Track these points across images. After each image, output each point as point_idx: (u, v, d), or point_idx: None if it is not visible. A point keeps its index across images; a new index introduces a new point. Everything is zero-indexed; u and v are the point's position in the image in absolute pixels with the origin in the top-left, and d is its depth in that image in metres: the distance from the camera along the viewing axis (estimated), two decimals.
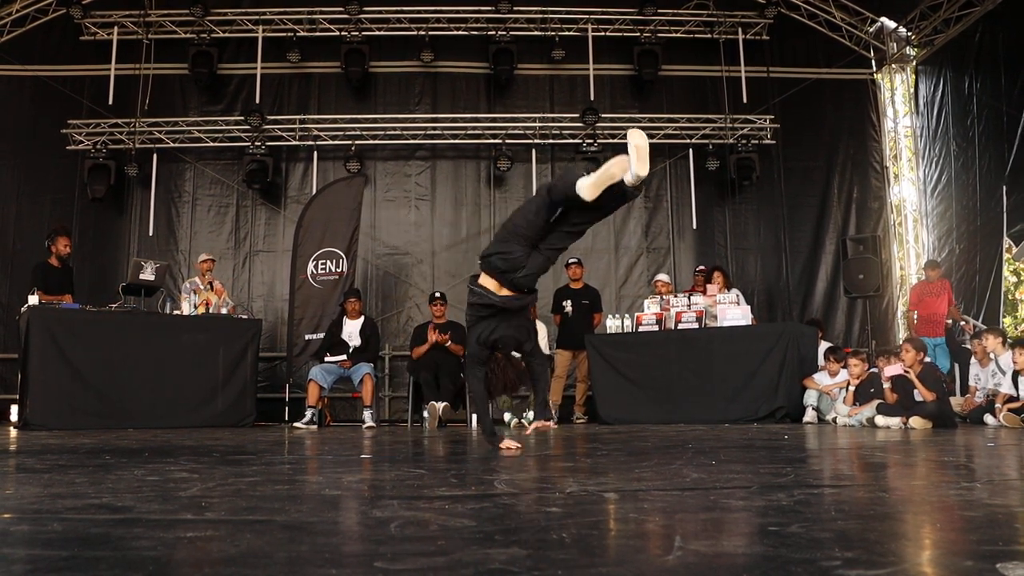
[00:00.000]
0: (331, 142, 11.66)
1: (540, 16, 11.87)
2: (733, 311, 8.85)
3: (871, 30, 12.33)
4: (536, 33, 11.96)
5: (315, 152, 11.68)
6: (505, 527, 1.84)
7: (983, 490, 2.50)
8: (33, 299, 7.66)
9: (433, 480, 2.90)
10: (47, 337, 7.51)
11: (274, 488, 2.61)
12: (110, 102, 11.28)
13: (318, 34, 11.85)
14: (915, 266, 11.95)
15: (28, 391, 7.38)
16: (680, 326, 8.99)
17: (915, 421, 6.92)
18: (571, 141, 11.71)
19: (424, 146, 11.87)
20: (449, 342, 9.02)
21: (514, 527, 1.85)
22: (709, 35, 12.00)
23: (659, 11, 11.74)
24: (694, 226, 11.71)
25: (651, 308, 9.27)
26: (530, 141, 11.71)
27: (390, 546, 1.55)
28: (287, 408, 10.24)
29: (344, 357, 8.82)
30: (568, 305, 9.80)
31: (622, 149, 11.96)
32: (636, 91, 12.16)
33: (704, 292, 9.41)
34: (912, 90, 12.34)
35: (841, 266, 11.06)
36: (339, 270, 10.11)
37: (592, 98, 11.63)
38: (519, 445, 4.41)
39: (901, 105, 12.53)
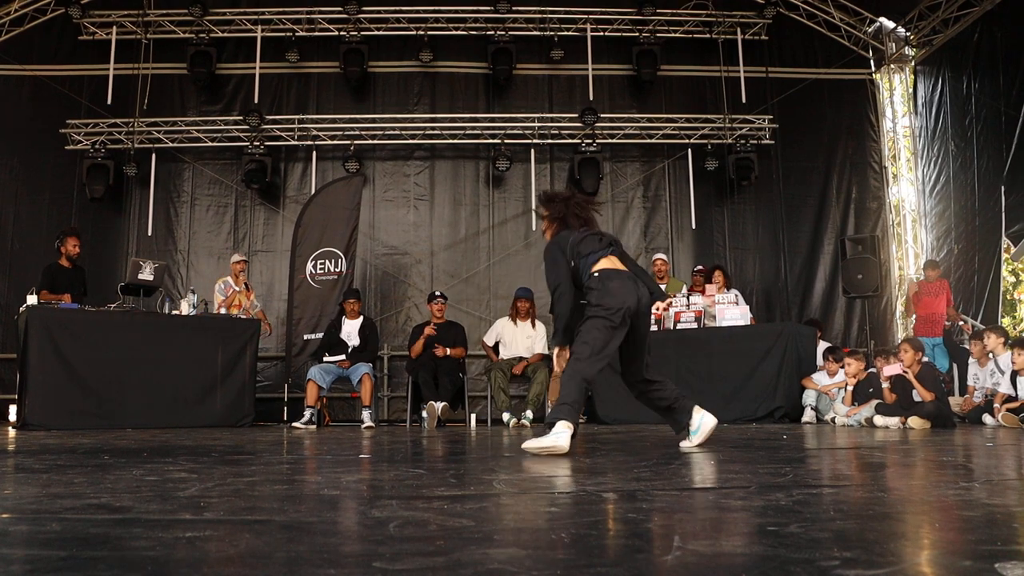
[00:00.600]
0: (330, 142, 11.67)
1: (539, 16, 11.88)
2: (732, 311, 8.85)
3: (870, 30, 12.35)
4: (535, 33, 11.97)
5: (314, 152, 11.69)
6: (504, 527, 1.84)
7: (982, 490, 2.50)
8: (32, 299, 7.65)
9: (432, 480, 2.90)
10: (45, 337, 7.51)
11: (273, 488, 2.61)
12: (109, 102, 11.29)
13: (317, 34, 11.86)
14: (914, 266, 11.95)
15: (27, 391, 7.37)
16: (679, 326, 9.00)
17: (914, 421, 6.93)
18: (570, 141, 11.71)
19: (423, 146, 11.88)
20: (448, 352, 9.01)
21: (513, 527, 1.85)
22: (708, 35, 12.01)
23: (658, 11, 11.75)
24: (693, 226, 11.72)
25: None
26: (529, 141, 11.71)
27: (389, 546, 1.55)
28: (286, 408, 10.24)
29: (343, 357, 8.82)
30: None
31: (620, 149, 12.04)
32: (635, 91, 12.17)
33: (703, 292, 9.41)
34: (911, 90, 12.35)
35: (840, 266, 11.07)
36: (338, 270, 10.11)
37: (591, 98, 11.64)
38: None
39: (900, 105, 12.55)
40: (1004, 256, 10.46)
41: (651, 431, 6.49)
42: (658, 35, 11.88)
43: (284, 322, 10.49)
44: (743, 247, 11.88)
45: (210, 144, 11.61)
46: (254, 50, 11.66)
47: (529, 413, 8.74)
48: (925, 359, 7.65)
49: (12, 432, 6.92)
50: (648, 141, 11.90)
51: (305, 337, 9.96)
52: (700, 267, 10.44)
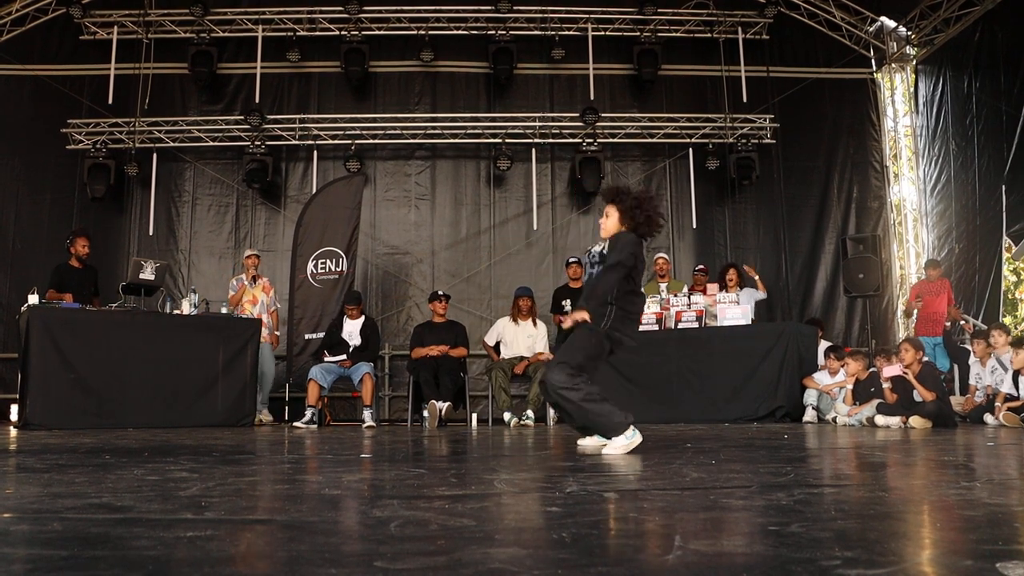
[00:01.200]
0: (331, 141, 11.67)
1: (540, 16, 11.87)
2: (733, 310, 8.85)
3: (871, 29, 12.34)
4: (536, 33, 11.96)
5: (315, 151, 11.69)
6: (505, 527, 1.85)
7: (983, 489, 2.50)
8: (33, 298, 7.65)
9: (433, 480, 2.90)
10: (47, 336, 7.50)
11: (274, 488, 2.61)
12: (110, 101, 11.29)
13: (318, 34, 11.85)
14: (915, 265, 11.95)
15: (28, 391, 7.37)
16: (680, 325, 8.99)
17: (915, 420, 6.93)
18: (571, 141, 11.70)
19: (424, 145, 11.87)
20: (448, 350, 9.01)
21: (514, 527, 1.85)
22: (709, 34, 12.01)
23: (659, 10, 11.75)
24: (694, 225, 11.72)
25: (651, 307, 9.27)
26: (530, 140, 11.71)
27: (390, 546, 1.55)
28: (287, 407, 10.24)
29: (344, 357, 8.81)
30: (568, 305, 9.79)
31: (621, 149, 12.04)
32: (636, 90, 12.16)
33: (704, 291, 9.41)
34: (912, 89, 12.35)
35: (841, 265, 11.06)
36: (339, 269, 10.11)
37: (592, 97, 11.63)
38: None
39: (901, 104, 12.54)
40: (1005, 255, 10.45)
41: (652, 431, 6.48)
42: (659, 34, 11.87)
43: (285, 322, 10.49)
44: (744, 247, 11.87)
45: (211, 144, 11.61)
46: (255, 50, 11.66)
47: (531, 413, 8.74)
48: (926, 359, 7.65)
49: (14, 432, 6.92)
50: (649, 140, 11.89)
51: (306, 337, 9.96)
52: (703, 266, 10.43)
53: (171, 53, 11.71)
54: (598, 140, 11.51)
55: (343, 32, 11.61)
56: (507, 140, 11.53)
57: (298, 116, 11.68)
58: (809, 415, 8.30)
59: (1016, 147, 9.92)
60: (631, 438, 4.12)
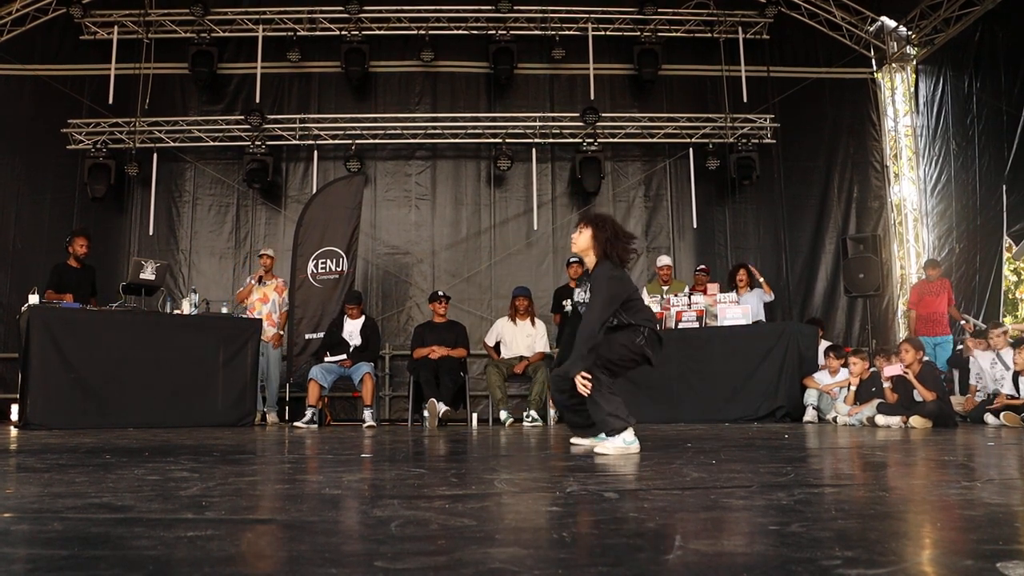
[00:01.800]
0: (331, 141, 11.66)
1: (540, 15, 11.87)
2: (733, 310, 8.85)
3: (871, 29, 12.35)
4: (536, 32, 11.96)
5: (315, 151, 11.69)
6: (506, 526, 1.85)
7: (983, 489, 2.50)
8: (33, 298, 7.66)
9: (433, 479, 2.90)
10: (47, 336, 7.50)
11: (274, 487, 2.61)
12: (110, 101, 11.29)
13: (318, 33, 11.85)
14: (915, 265, 11.95)
15: (28, 390, 7.37)
16: (680, 325, 8.99)
17: (915, 420, 6.93)
18: (571, 140, 11.70)
19: (424, 145, 11.87)
20: (449, 351, 9.00)
21: (515, 526, 1.85)
22: (709, 34, 12.00)
23: (659, 10, 11.75)
24: (694, 225, 11.72)
25: (651, 307, 9.26)
26: (530, 140, 11.71)
27: (391, 545, 1.55)
28: (287, 407, 10.24)
29: (344, 356, 8.81)
30: (568, 304, 9.79)
31: (621, 148, 12.05)
32: (636, 90, 12.16)
33: (705, 291, 9.41)
34: (912, 89, 12.35)
35: (841, 265, 11.07)
36: (339, 269, 10.11)
37: (592, 97, 11.63)
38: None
39: (901, 104, 12.54)
40: (1006, 255, 10.46)
41: (652, 431, 6.48)
42: (659, 34, 11.87)
43: (286, 321, 10.48)
44: (744, 247, 11.87)
45: (212, 144, 11.61)
46: (255, 50, 11.66)
47: (534, 413, 8.72)
48: (926, 359, 7.65)
49: (14, 431, 6.92)
50: (649, 140, 11.89)
51: (307, 336, 9.96)
52: (704, 266, 10.43)
53: (171, 53, 11.71)
54: (598, 140, 11.51)
55: (343, 32, 11.61)
56: (507, 140, 11.53)
57: (298, 116, 11.68)
58: (809, 415, 8.30)
59: (1017, 147, 9.91)
60: (629, 443, 4.12)
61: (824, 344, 9.08)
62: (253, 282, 9.61)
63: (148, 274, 8.37)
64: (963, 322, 10.14)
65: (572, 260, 9.96)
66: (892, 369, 7.34)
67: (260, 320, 8.96)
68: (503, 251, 11.62)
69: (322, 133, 11.64)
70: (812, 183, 12.04)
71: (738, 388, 8.40)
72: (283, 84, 11.98)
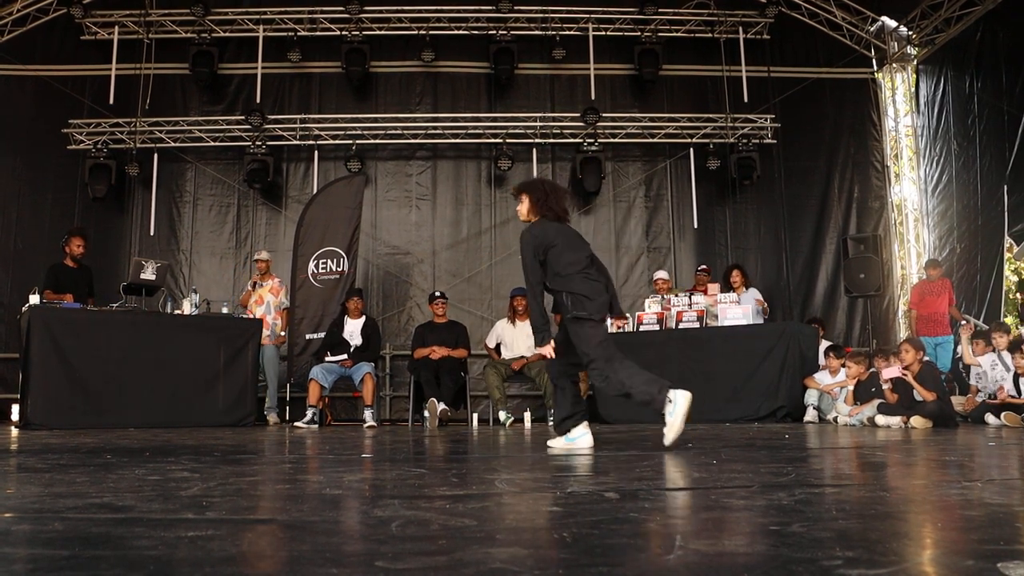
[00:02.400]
0: (332, 142, 11.67)
1: (541, 15, 11.88)
2: (734, 311, 8.85)
3: (872, 29, 12.35)
4: (537, 32, 11.96)
5: (316, 152, 11.69)
6: (506, 526, 1.85)
7: (984, 489, 2.50)
8: (34, 298, 7.66)
9: (434, 479, 2.90)
10: (48, 336, 7.51)
11: (275, 487, 2.61)
12: (111, 102, 11.30)
13: (319, 34, 11.86)
14: (916, 265, 11.95)
15: (29, 390, 7.37)
16: (681, 325, 8.99)
17: (916, 420, 6.92)
18: (572, 141, 11.71)
19: (425, 146, 11.88)
20: (449, 351, 9.00)
21: (515, 526, 1.85)
22: (710, 34, 12.01)
23: (660, 10, 11.75)
24: (695, 225, 11.71)
25: (652, 307, 9.27)
26: (531, 141, 11.71)
27: (391, 545, 1.55)
28: (288, 407, 10.24)
29: (345, 356, 8.82)
30: None
31: (622, 149, 12.02)
32: (637, 90, 12.16)
33: (705, 291, 9.40)
34: (913, 89, 12.34)
35: (842, 265, 11.07)
36: (340, 269, 10.11)
37: (593, 97, 11.64)
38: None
39: (902, 104, 12.53)
40: (1007, 255, 10.46)
41: (653, 430, 6.48)
42: (660, 34, 11.87)
43: (287, 321, 10.49)
44: (745, 247, 11.87)
45: (212, 144, 11.62)
46: (256, 50, 11.66)
47: (527, 414, 8.69)
48: (927, 359, 7.64)
49: (15, 431, 6.93)
50: (650, 140, 11.90)
51: (307, 337, 9.96)
52: (705, 266, 10.43)
53: (172, 53, 11.71)
54: (599, 140, 11.51)
55: (344, 32, 11.61)
56: (508, 140, 11.54)
57: (299, 116, 11.68)
58: (810, 415, 8.30)
59: (1018, 147, 9.91)
60: (572, 440, 4.59)
61: (825, 344, 9.08)
62: (249, 287, 9.63)
63: (149, 274, 8.37)
64: (964, 322, 10.14)
65: None
66: (892, 370, 7.34)
67: (260, 321, 8.97)
68: (503, 251, 11.62)
69: (323, 133, 11.65)
70: (813, 183, 12.04)
71: (739, 388, 8.39)
72: (284, 84, 11.98)
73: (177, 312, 8.46)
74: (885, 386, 7.40)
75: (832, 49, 12.33)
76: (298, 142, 11.69)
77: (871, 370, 7.99)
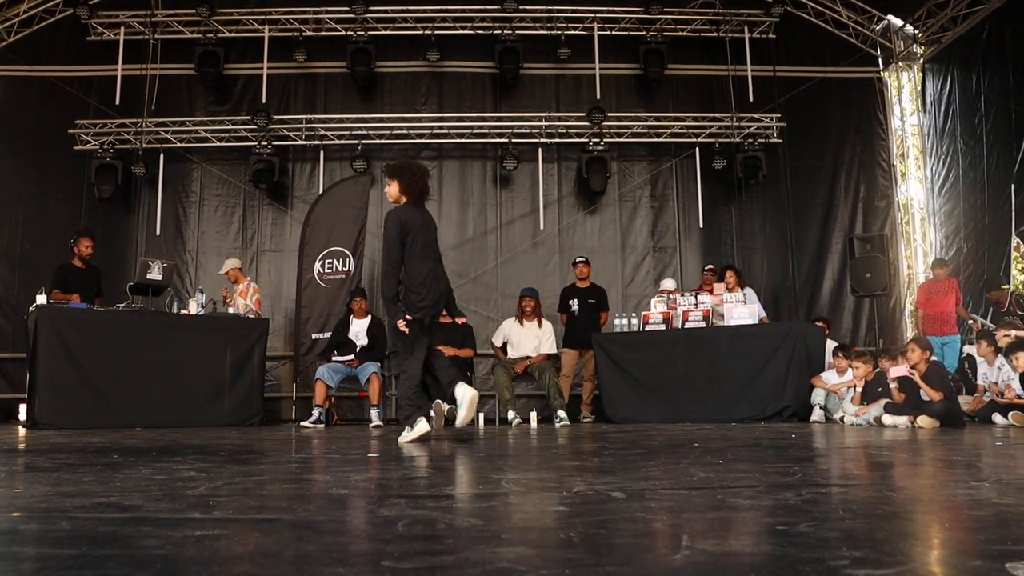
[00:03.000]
0: (337, 142, 11.68)
1: (546, 15, 11.87)
2: (740, 310, 8.83)
3: (878, 28, 12.32)
4: (542, 32, 11.95)
5: (321, 152, 11.70)
6: (512, 526, 1.85)
7: (992, 489, 2.49)
8: (41, 299, 7.68)
9: (440, 479, 2.90)
10: (54, 336, 7.53)
11: (281, 487, 2.62)
12: (117, 102, 11.30)
13: (324, 34, 11.86)
14: (922, 264, 11.92)
15: (36, 390, 7.40)
16: (687, 325, 8.98)
17: (923, 420, 6.90)
18: (577, 140, 11.70)
19: (430, 145, 11.88)
20: (455, 351, 9.00)
21: (521, 526, 1.86)
22: (715, 34, 11.98)
23: (665, 10, 11.73)
24: (700, 225, 11.69)
25: (658, 307, 9.26)
26: (536, 140, 11.70)
27: (397, 545, 1.55)
28: (294, 407, 10.25)
29: (351, 356, 8.83)
30: (574, 304, 9.79)
31: (628, 148, 11.99)
32: (642, 90, 12.15)
33: (711, 291, 9.39)
34: (919, 88, 12.31)
35: (848, 265, 11.03)
36: (346, 269, 10.12)
37: (598, 97, 11.62)
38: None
39: (908, 103, 12.50)
40: (1014, 254, 10.42)
41: (659, 430, 6.48)
42: (665, 34, 11.86)
43: (292, 321, 10.50)
44: (751, 246, 11.85)
45: (218, 144, 11.63)
46: (261, 50, 11.67)
47: (562, 414, 8.64)
48: (934, 358, 7.62)
49: (22, 431, 6.95)
50: (655, 140, 11.88)
51: (313, 336, 9.98)
52: (711, 266, 10.42)
53: (178, 54, 11.72)
54: (604, 140, 11.50)
55: (349, 32, 11.62)
56: (513, 140, 11.53)
57: (305, 116, 11.69)
58: (816, 415, 8.27)
59: None
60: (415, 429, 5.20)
61: (831, 344, 9.06)
62: (224, 295, 9.49)
63: (155, 274, 8.39)
64: (971, 322, 10.11)
65: (578, 260, 9.96)
66: (899, 369, 7.32)
67: (267, 320, 8.98)
68: (509, 251, 11.62)
69: (328, 133, 11.65)
70: (819, 182, 12.02)
71: (745, 388, 8.38)
72: (289, 84, 11.99)
73: (183, 312, 8.48)
74: (892, 385, 7.38)
75: (838, 48, 12.30)
76: (304, 142, 11.70)
77: (878, 369, 7.98)
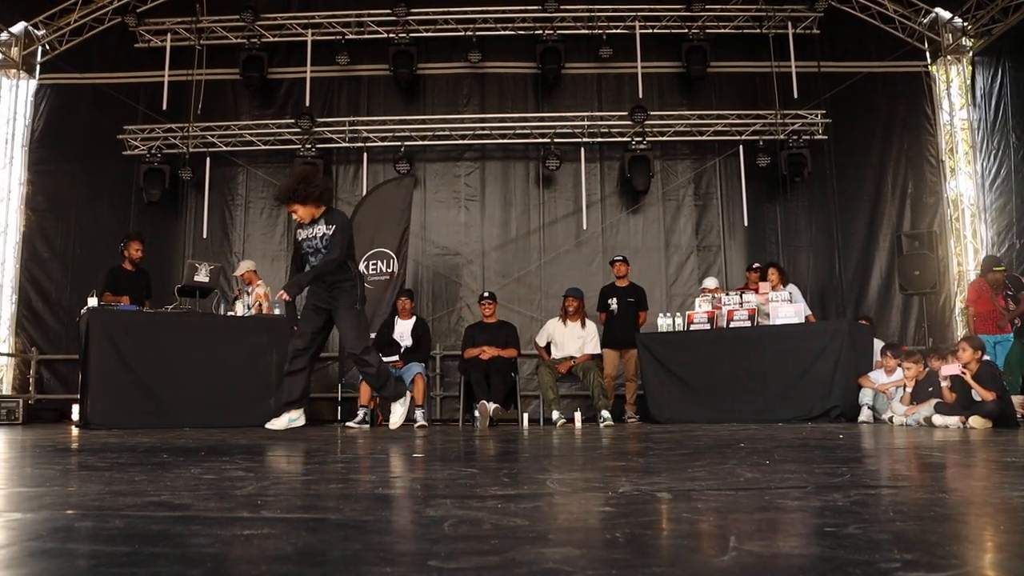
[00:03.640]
0: (380, 144, 11.76)
1: (587, 14, 11.85)
2: (786, 309, 8.74)
3: (925, 21, 12.11)
4: (583, 32, 11.94)
5: (365, 154, 11.80)
6: (558, 526, 1.84)
7: None
8: (92, 301, 7.82)
9: (485, 479, 2.90)
10: (106, 338, 7.66)
11: (328, 487, 2.64)
12: (164, 108, 11.52)
13: (366, 37, 11.96)
14: (973, 262, 11.70)
15: (88, 391, 7.54)
16: (732, 324, 8.89)
17: (974, 421, 6.78)
18: (619, 140, 11.67)
19: (473, 146, 11.92)
20: (499, 352, 9.01)
21: (567, 527, 1.85)
22: (758, 30, 11.88)
23: (707, 7, 11.66)
24: (745, 223, 11.60)
25: (703, 307, 9.19)
26: (579, 140, 11.69)
27: (444, 545, 1.55)
28: (339, 408, 10.34)
29: (396, 357, 8.87)
30: (613, 303, 9.76)
31: (671, 147, 11.92)
32: (685, 88, 12.09)
33: (756, 290, 9.30)
34: (969, 82, 12.07)
35: (896, 263, 10.87)
36: (390, 270, 10.18)
37: (640, 96, 11.58)
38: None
39: (957, 97, 12.27)
40: None
41: (704, 430, 6.43)
42: (707, 31, 11.78)
43: None
44: (796, 244, 11.73)
45: (263, 147, 11.78)
46: (305, 54, 11.80)
47: (605, 414, 8.60)
48: (986, 357, 7.47)
49: (75, 431, 7.09)
50: (699, 138, 11.80)
51: None
52: (756, 264, 10.32)
53: (223, 59, 11.91)
54: (647, 138, 11.45)
55: (391, 35, 11.70)
56: (556, 140, 11.53)
57: (348, 119, 11.79)
58: (864, 415, 8.16)
59: None
60: (293, 420, 6.37)
61: (879, 343, 8.92)
62: (236, 295, 9.51)
63: (202, 276, 8.50)
64: (1019, 321, 9.85)
65: (616, 259, 9.93)
66: (950, 368, 7.18)
67: None
68: (552, 251, 11.62)
69: (371, 135, 11.74)
70: (865, 179, 11.85)
71: (791, 387, 8.27)
72: (332, 87, 12.11)
73: (230, 314, 8.58)
74: (944, 384, 7.25)
75: (884, 42, 12.11)
76: (347, 144, 11.80)
77: (927, 369, 7.84)
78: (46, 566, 1.41)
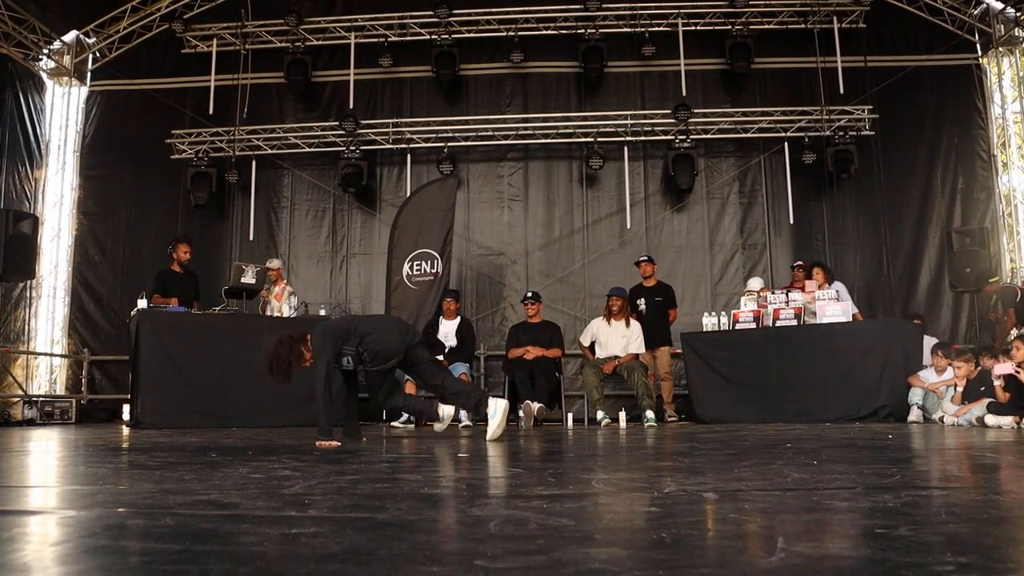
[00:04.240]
0: (424, 145, 11.81)
1: (629, 13, 11.80)
2: (832, 307, 8.62)
3: (975, 12, 11.87)
4: (625, 30, 11.89)
5: (408, 155, 11.85)
6: (604, 527, 1.84)
7: None
8: (142, 303, 7.96)
9: (531, 479, 2.91)
10: (155, 339, 7.79)
11: (374, 486, 2.65)
12: (211, 112, 11.69)
13: (409, 39, 12.02)
14: None
15: (138, 391, 7.67)
16: (778, 323, 8.79)
17: None
18: (663, 138, 11.59)
19: (516, 147, 11.92)
20: (544, 352, 8.99)
21: (613, 527, 1.85)
22: (803, 25, 11.73)
23: (751, 3, 11.53)
24: (791, 221, 11.46)
25: (748, 305, 9.11)
26: (622, 139, 11.64)
27: (490, 545, 1.56)
28: (384, 408, 10.38)
29: (440, 357, 8.90)
30: (642, 304, 9.70)
31: (715, 144, 11.82)
32: (728, 85, 11.97)
33: (803, 288, 9.18)
34: (1022, 74, 11.81)
35: (946, 259, 10.67)
36: (434, 271, 10.22)
37: (684, 93, 11.51)
38: (338, 443, 4.99)
39: (1009, 90, 12.00)
40: None
41: (750, 430, 6.37)
42: (751, 27, 11.66)
43: None
44: (843, 241, 11.57)
45: (307, 150, 11.89)
46: (348, 57, 11.90)
47: (650, 414, 8.56)
48: None
49: (126, 430, 7.22)
50: (743, 135, 11.69)
51: None
52: (800, 262, 10.20)
53: (267, 63, 12.04)
54: (691, 136, 11.37)
55: (434, 36, 11.75)
56: (599, 139, 11.49)
57: (391, 120, 11.86)
58: (914, 415, 8.01)
59: None
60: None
61: (929, 341, 8.77)
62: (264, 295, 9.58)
63: (249, 278, 8.60)
64: None
65: (642, 259, 9.90)
66: (1004, 367, 7.04)
67: None
68: (596, 251, 11.58)
69: (415, 137, 11.80)
70: (914, 175, 11.64)
71: (839, 387, 8.15)
72: (376, 89, 12.19)
73: (276, 315, 8.67)
74: (997, 383, 7.10)
75: (933, 35, 11.89)
76: (391, 146, 11.87)
77: (979, 368, 7.69)
78: (100, 562, 1.44)
